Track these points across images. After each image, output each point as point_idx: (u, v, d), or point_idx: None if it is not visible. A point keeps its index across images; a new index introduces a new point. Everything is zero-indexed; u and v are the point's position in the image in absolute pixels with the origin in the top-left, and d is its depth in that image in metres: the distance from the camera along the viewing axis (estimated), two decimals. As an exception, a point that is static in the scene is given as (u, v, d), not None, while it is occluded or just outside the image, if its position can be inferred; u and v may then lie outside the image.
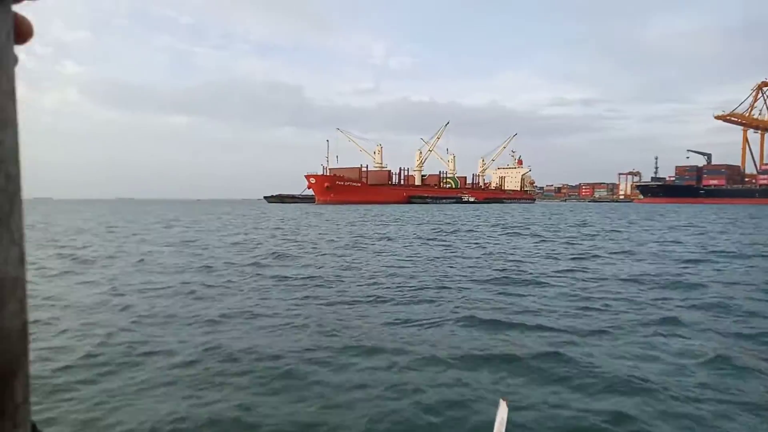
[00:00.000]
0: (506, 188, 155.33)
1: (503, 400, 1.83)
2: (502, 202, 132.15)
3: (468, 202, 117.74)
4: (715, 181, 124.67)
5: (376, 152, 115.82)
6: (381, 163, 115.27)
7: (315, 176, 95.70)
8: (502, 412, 1.78)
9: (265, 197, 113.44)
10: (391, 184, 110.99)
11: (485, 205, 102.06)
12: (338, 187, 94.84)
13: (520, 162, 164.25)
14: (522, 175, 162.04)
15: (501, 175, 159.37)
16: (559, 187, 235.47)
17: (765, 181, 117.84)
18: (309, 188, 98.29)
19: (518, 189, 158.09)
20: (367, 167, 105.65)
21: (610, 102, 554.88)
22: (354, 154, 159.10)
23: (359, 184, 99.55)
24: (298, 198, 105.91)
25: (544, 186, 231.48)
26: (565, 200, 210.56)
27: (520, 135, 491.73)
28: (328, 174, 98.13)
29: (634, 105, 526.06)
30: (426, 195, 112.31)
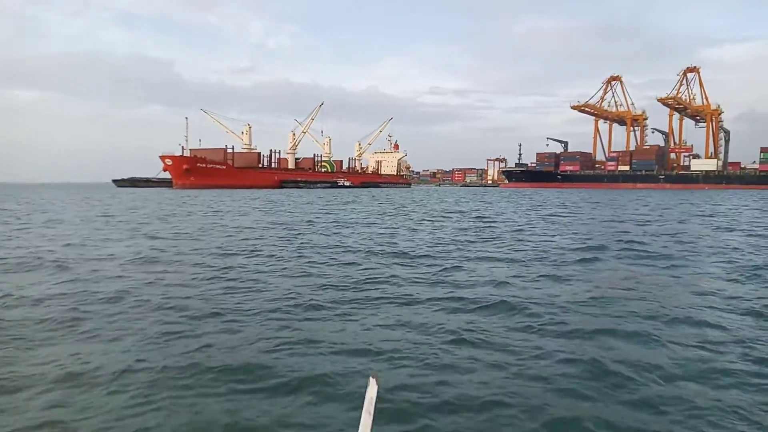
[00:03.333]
0: (383, 172, 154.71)
1: (373, 377, 1.91)
2: (379, 186, 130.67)
3: (343, 186, 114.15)
4: (570, 167, 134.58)
5: (244, 132, 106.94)
6: (249, 145, 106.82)
7: (172, 157, 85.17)
8: (372, 389, 1.86)
9: (113, 180, 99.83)
10: (262, 167, 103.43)
11: (361, 190, 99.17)
12: (199, 170, 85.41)
13: (396, 146, 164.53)
14: (398, 160, 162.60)
15: (378, 160, 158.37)
16: (434, 172, 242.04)
17: (612, 168, 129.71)
18: (165, 170, 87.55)
19: (395, 173, 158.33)
20: (233, 149, 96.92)
21: (481, 92, 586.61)
22: (222, 136, 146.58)
23: (224, 167, 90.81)
24: (153, 181, 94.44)
25: (421, 171, 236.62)
26: (440, 185, 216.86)
27: (400, 121, 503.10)
28: (187, 155, 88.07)
29: (502, 96, 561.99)
30: (299, 179, 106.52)
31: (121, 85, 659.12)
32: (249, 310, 6.88)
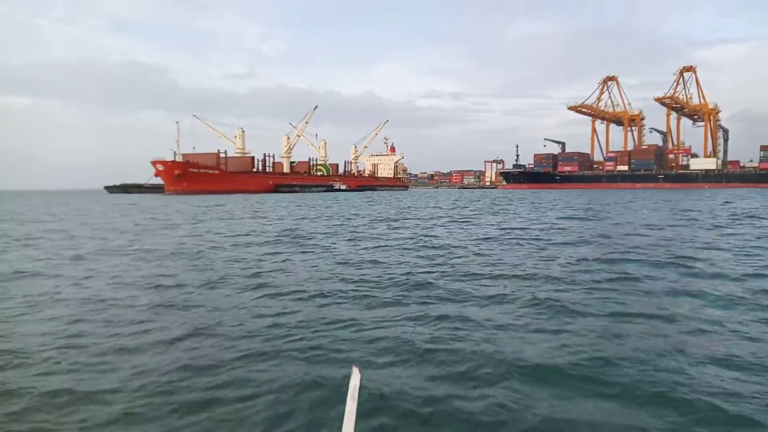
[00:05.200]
0: (379, 175, 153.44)
1: (355, 366, 2.10)
2: (375, 189, 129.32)
3: (339, 189, 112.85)
4: (568, 168, 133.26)
5: (237, 137, 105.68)
6: (243, 149, 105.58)
7: (163, 162, 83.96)
8: (355, 378, 2.03)
9: (105, 187, 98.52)
10: (256, 171, 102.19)
11: (357, 193, 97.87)
12: (192, 175, 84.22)
13: (393, 149, 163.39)
14: (395, 162, 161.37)
15: (374, 162, 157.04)
16: (431, 174, 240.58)
17: (610, 167, 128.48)
18: (157, 176, 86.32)
19: (392, 176, 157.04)
20: (225, 153, 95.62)
21: (476, 96, 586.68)
22: (216, 142, 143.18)
23: (217, 172, 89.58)
24: (146, 187, 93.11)
25: (418, 173, 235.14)
26: (437, 187, 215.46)
27: (397, 125, 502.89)
28: (179, 160, 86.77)
29: (497, 99, 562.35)
30: (294, 183, 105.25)
31: (116, 92, 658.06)
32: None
